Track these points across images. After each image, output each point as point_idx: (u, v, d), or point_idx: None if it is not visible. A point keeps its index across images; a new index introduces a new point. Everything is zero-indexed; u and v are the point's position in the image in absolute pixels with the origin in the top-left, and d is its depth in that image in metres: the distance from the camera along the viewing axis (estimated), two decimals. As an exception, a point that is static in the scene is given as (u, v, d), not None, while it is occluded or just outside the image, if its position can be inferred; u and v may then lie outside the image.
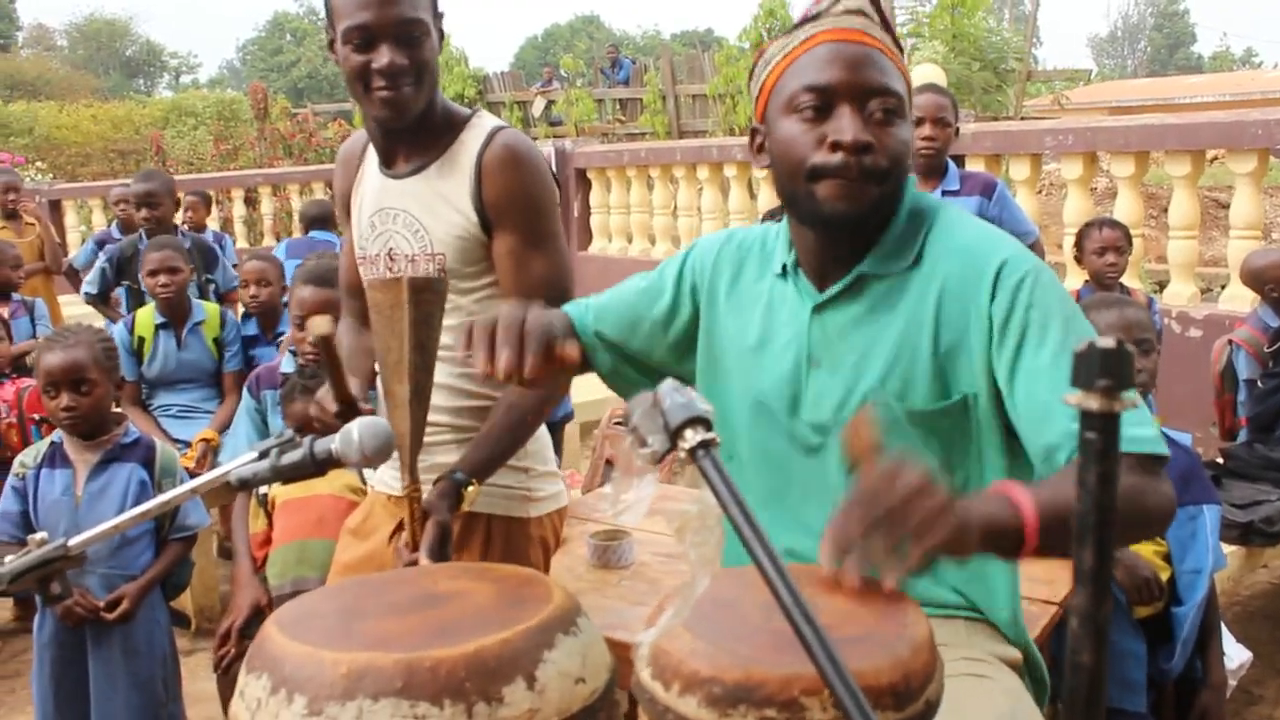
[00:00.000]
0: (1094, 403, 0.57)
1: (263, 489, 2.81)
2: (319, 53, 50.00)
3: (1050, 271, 1.48)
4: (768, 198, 7.78)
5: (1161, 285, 6.40)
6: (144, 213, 5.40)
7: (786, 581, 0.76)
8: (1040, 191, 8.19)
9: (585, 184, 9.23)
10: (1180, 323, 5.25)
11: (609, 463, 3.96)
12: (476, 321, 1.40)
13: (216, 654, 2.67)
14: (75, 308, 7.30)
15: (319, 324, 1.58)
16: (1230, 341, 4.10)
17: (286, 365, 3.27)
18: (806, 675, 0.91)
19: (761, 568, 0.77)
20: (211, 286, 5.29)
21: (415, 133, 1.99)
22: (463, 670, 1.00)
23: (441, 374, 1.91)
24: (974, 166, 6.01)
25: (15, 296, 5.33)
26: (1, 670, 3.92)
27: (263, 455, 1.29)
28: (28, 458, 2.88)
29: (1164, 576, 2.58)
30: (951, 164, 4.04)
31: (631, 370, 1.76)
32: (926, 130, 3.74)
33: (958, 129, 3.94)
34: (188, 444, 4.21)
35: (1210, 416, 4.32)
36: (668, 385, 0.90)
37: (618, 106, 16.57)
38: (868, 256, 1.51)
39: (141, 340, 4.43)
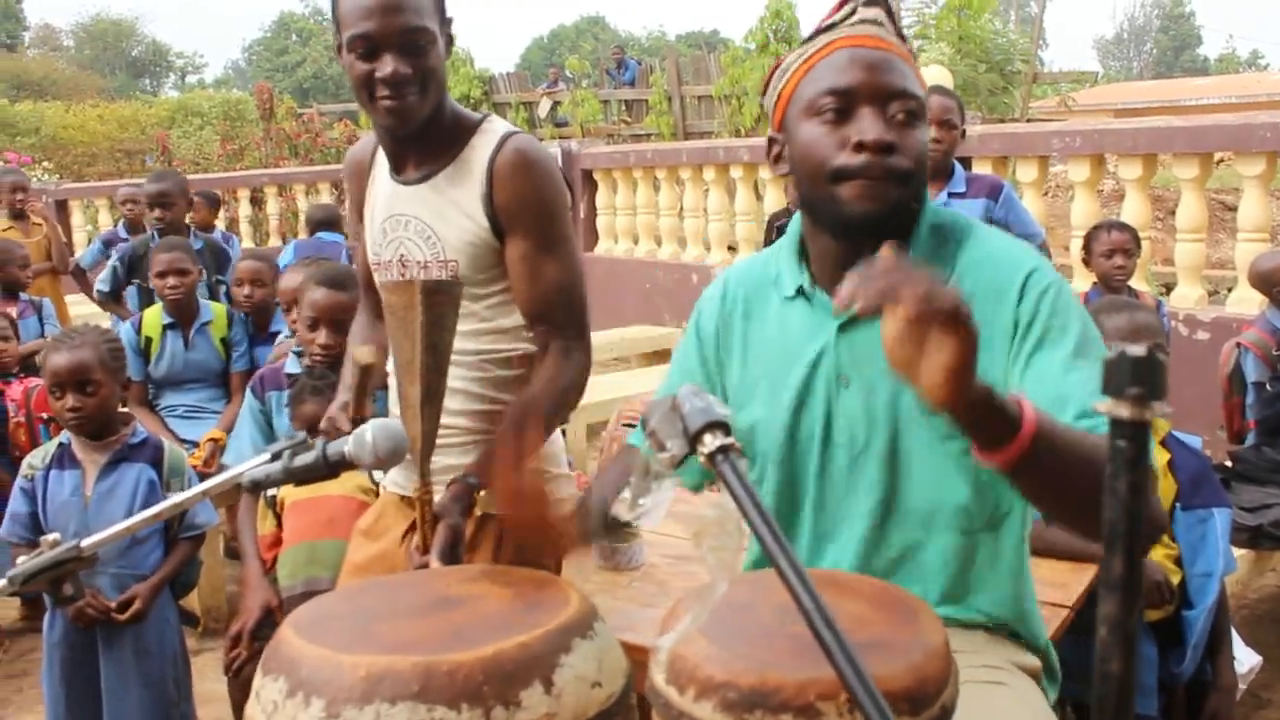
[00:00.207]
0: (1125, 411, 0.57)
1: (271, 490, 2.81)
2: (324, 53, 50.10)
3: (1070, 288, 1.49)
4: (774, 199, 7.78)
5: (1168, 288, 6.40)
6: (157, 212, 5.41)
7: (807, 586, 0.76)
8: (1046, 194, 8.18)
9: (591, 185, 9.24)
10: (1188, 325, 5.24)
11: (617, 464, 3.95)
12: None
13: (227, 656, 2.66)
14: (81, 307, 7.31)
15: (364, 354, 1.58)
16: (1238, 344, 4.09)
17: (291, 366, 3.26)
18: (822, 680, 0.91)
19: (782, 573, 0.77)
20: (222, 287, 5.29)
21: (424, 139, 1.99)
22: (480, 674, 1.00)
23: (455, 377, 1.91)
24: (981, 168, 6.01)
25: (23, 296, 5.34)
26: (9, 670, 3.92)
27: (275, 457, 1.29)
28: (36, 459, 2.88)
29: (1175, 580, 2.57)
30: (958, 166, 4.04)
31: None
32: (933, 132, 3.73)
33: (964, 131, 3.94)
34: (195, 444, 4.21)
35: (1218, 419, 4.31)
36: (686, 390, 0.90)
37: (623, 108, 16.59)
38: None
39: (148, 340, 4.43)
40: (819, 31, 1.52)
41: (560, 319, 1.99)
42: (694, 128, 14.42)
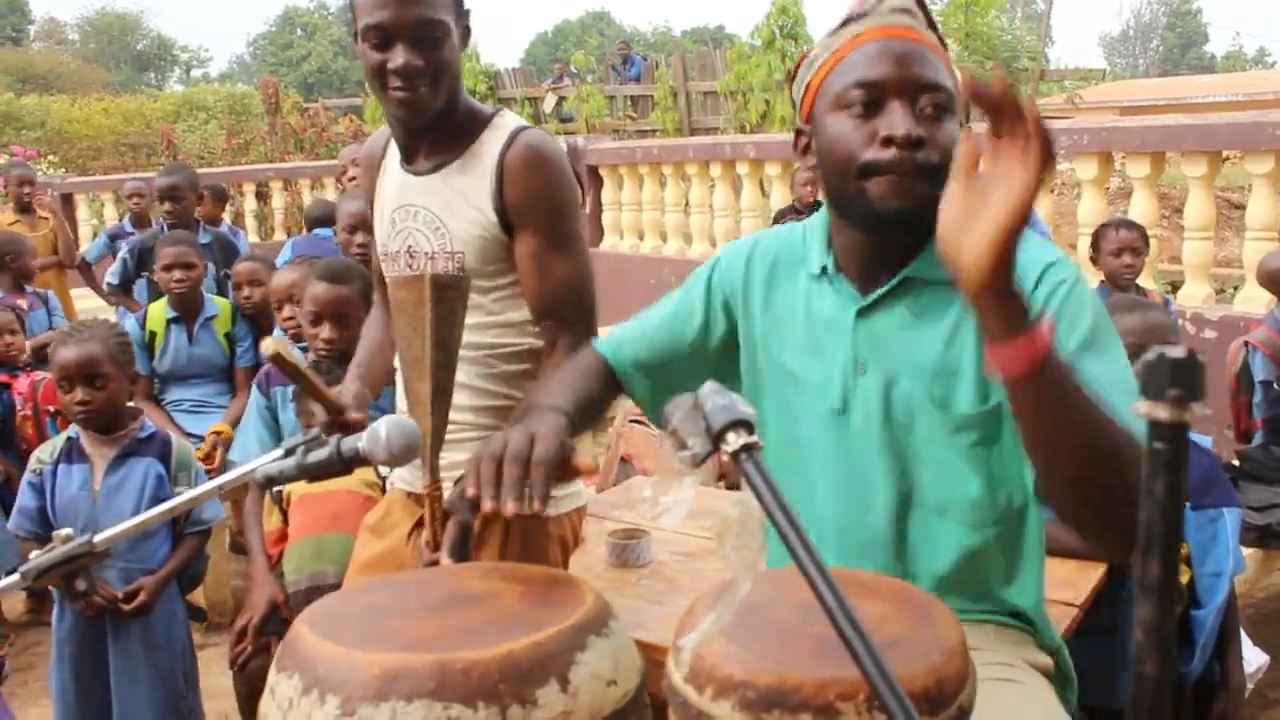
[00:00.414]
0: (1164, 412, 0.56)
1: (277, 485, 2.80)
2: (329, 47, 50.14)
3: (1088, 285, 1.48)
4: (780, 195, 7.77)
5: (1175, 286, 6.38)
6: (167, 206, 5.41)
7: (831, 586, 0.75)
8: (1052, 191, 8.17)
9: (597, 181, 9.23)
10: (1195, 324, 5.23)
11: (624, 460, 3.96)
12: (482, 452, 1.31)
13: (233, 651, 2.67)
14: (85, 301, 7.32)
15: (271, 345, 1.56)
16: (1246, 343, 4.07)
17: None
18: (842, 679, 0.91)
19: (805, 571, 0.77)
20: (230, 281, 5.30)
21: (436, 130, 1.99)
22: (496, 672, 1.00)
23: (464, 373, 1.91)
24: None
25: (29, 289, 5.35)
26: (16, 663, 3.92)
27: (289, 453, 1.29)
28: (44, 453, 2.88)
29: (1184, 579, 2.57)
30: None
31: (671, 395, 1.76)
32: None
33: (970, 128, 3.93)
34: (201, 438, 4.21)
35: (1225, 419, 4.30)
36: (709, 388, 0.90)
37: (628, 103, 16.58)
38: (916, 259, 1.50)
39: (153, 335, 4.43)
40: (848, 21, 1.51)
41: (569, 316, 1.99)
42: (699, 123, 14.42)
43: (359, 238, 3.79)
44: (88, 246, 7.39)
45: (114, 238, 6.65)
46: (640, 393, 1.73)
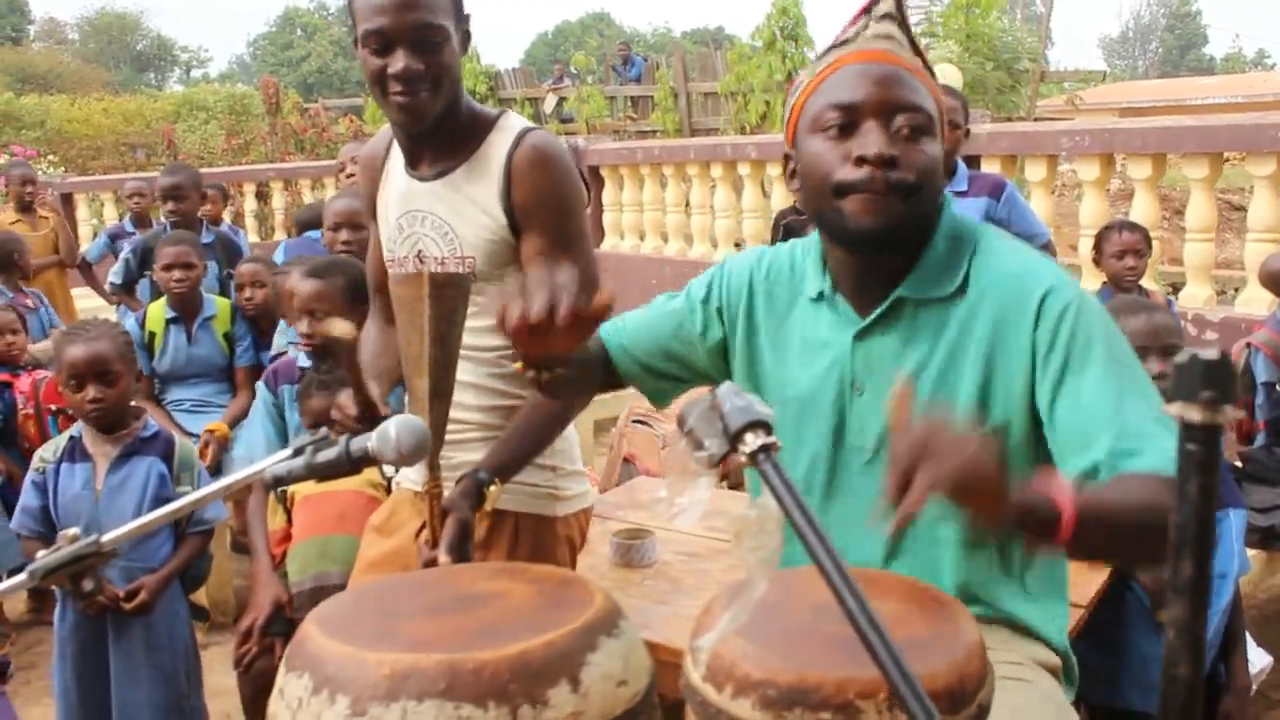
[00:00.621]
0: (1196, 415, 0.56)
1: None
2: (329, 48, 50.13)
3: (1092, 298, 1.48)
4: (781, 197, 7.76)
5: (1176, 287, 6.38)
6: (170, 205, 5.39)
7: (852, 587, 0.75)
8: (1053, 192, 8.16)
9: (598, 181, 9.22)
10: (1196, 325, 5.23)
11: (627, 460, 3.95)
12: (504, 290, 1.33)
13: (238, 651, 2.66)
14: (85, 301, 7.32)
15: (338, 326, 1.58)
16: (1248, 344, 4.07)
17: (304, 359, 3.26)
18: (861, 678, 0.91)
19: (825, 572, 0.77)
20: (232, 281, 5.29)
21: (440, 135, 1.98)
22: (507, 672, 0.99)
23: (472, 373, 1.91)
24: (989, 167, 5.99)
25: (26, 290, 5.35)
26: (17, 662, 3.91)
27: (298, 452, 1.29)
28: (47, 452, 2.88)
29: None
30: (961, 165, 4.03)
31: (662, 381, 1.77)
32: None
33: (968, 130, 3.93)
34: (200, 438, 4.21)
35: (1227, 420, 4.29)
36: (727, 388, 0.89)
37: (629, 104, 16.57)
38: (906, 279, 1.52)
39: (152, 335, 4.43)
40: (832, 48, 1.53)
41: None
42: (699, 124, 14.41)
43: (343, 235, 3.80)
44: (88, 246, 7.38)
45: (114, 238, 6.64)
46: (633, 374, 1.76)
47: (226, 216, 8.75)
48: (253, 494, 2.94)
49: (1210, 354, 0.57)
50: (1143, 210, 5.58)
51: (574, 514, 2.10)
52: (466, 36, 1.98)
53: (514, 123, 2.01)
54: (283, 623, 2.64)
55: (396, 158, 2.10)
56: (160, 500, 2.78)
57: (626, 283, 8.46)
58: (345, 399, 1.81)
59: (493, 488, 1.80)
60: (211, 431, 4.16)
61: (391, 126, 2.05)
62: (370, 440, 1.29)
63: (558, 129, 15.27)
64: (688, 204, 8.65)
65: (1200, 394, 0.56)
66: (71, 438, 2.87)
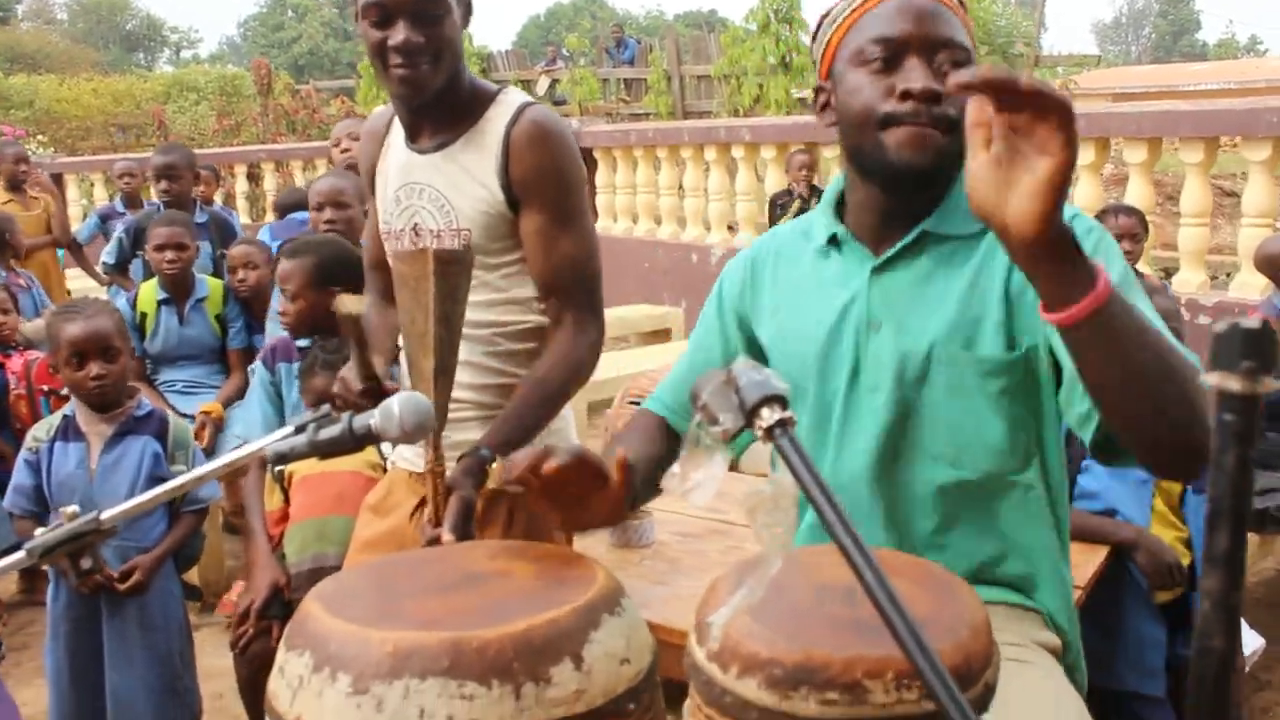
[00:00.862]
0: (1236, 384, 0.55)
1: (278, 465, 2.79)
2: (320, 29, 49.88)
3: (1110, 234, 1.47)
4: (775, 179, 7.76)
5: (1168, 272, 6.39)
6: (164, 184, 5.35)
7: (872, 564, 0.74)
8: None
9: (591, 164, 9.20)
10: (1190, 310, 5.23)
11: (622, 442, 3.93)
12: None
13: (235, 633, 2.65)
14: (76, 282, 7.29)
15: (348, 303, 1.58)
16: (1243, 329, 4.07)
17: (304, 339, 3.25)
18: (869, 657, 0.90)
19: (844, 549, 0.76)
20: (225, 262, 5.26)
21: (440, 108, 1.98)
22: (510, 650, 0.99)
23: (467, 351, 1.90)
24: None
25: (19, 270, 5.32)
26: (9, 643, 3.90)
27: (300, 430, 1.27)
28: (41, 431, 2.87)
29: (1185, 562, 2.57)
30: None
31: None
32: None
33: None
34: (193, 419, 4.19)
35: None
36: (742, 363, 0.88)
37: (622, 86, 16.52)
38: (932, 215, 1.52)
39: (143, 316, 4.40)
40: None
41: (574, 293, 1.98)
42: (693, 107, 14.38)
43: (327, 214, 3.80)
44: (78, 227, 7.34)
45: (105, 218, 6.60)
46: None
47: (217, 198, 8.71)
48: (250, 474, 2.93)
49: (1251, 323, 0.57)
50: (1137, 195, 5.58)
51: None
52: (468, 10, 1.98)
53: (514, 97, 2.00)
54: (280, 605, 2.63)
55: (397, 131, 2.09)
56: (155, 479, 2.77)
57: (619, 266, 8.45)
58: (349, 374, 1.80)
59: (495, 465, 1.80)
60: (207, 413, 4.14)
61: (392, 100, 2.04)
62: (373, 417, 1.28)
63: (551, 111, 15.21)
64: (681, 187, 8.63)
65: (1240, 364, 0.55)
66: (65, 416, 2.86)
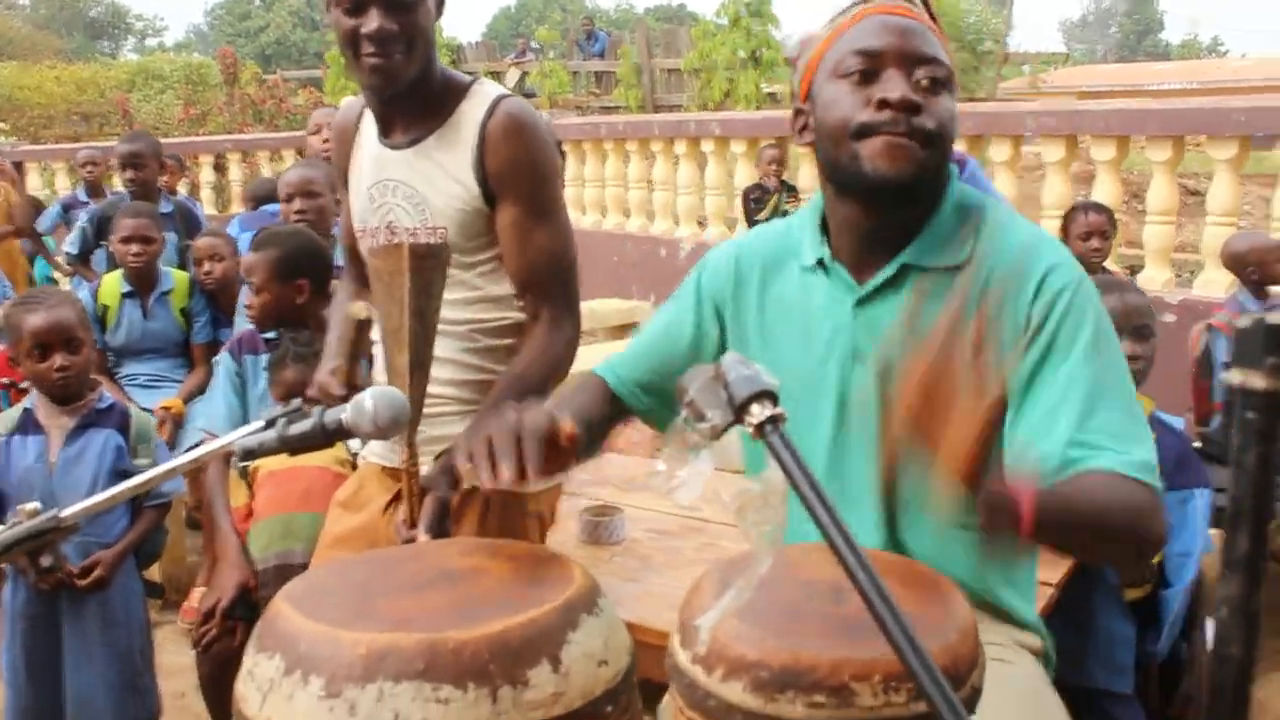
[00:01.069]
0: (1260, 381, 0.54)
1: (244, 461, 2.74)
2: (288, 19, 49.39)
3: (1091, 284, 1.47)
4: (745, 173, 7.75)
5: (1133, 270, 6.42)
6: (129, 173, 5.25)
7: (862, 562, 0.73)
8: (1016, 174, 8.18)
9: (561, 156, 9.16)
10: (1155, 308, 5.23)
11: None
12: (470, 434, 1.29)
13: (198, 631, 2.59)
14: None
15: (358, 309, 1.55)
16: (1209, 325, 4.11)
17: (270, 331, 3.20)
18: (856, 659, 0.89)
19: (835, 547, 0.74)
20: (190, 254, 5.18)
21: (412, 101, 1.94)
22: (486, 652, 0.96)
23: (445, 347, 1.87)
24: (954, 146, 5.99)
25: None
26: (-36, 640, 3.83)
27: (270, 424, 1.24)
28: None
29: (1154, 560, 2.57)
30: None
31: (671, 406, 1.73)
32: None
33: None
34: (154, 414, 4.12)
35: (1183, 401, 4.32)
36: (731, 357, 0.86)
37: (592, 79, 16.48)
38: (911, 245, 1.49)
39: (105, 308, 4.31)
40: (855, 3, 1.52)
41: (550, 287, 1.96)
42: (663, 101, 14.38)
43: (296, 204, 3.76)
44: (40, 216, 7.23)
45: (67, 208, 6.50)
46: (643, 409, 1.70)
47: (182, 188, 8.61)
48: (212, 469, 2.87)
49: (1276, 319, 0.55)
50: (1105, 192, 5.61)
51: (544, 490, 2.06)
52: (441, 0, 1.94)
53: (487, 89, 1.97)
54: (246, 606, 2.57)
55: (368, 126, 2.05)
56: (118, 473, 2.71)
57: (588, 259, 8.37)
58: (328, 377, 1.77)
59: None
60: (167, 409, 4.05)
61: (363, 92, 2.00)
62: (345, 412, 1.25)
63: (520, 104, 15.15)
64: (650, 180, 8.61)
65: (1264, 360, 0.54)
66: (25, 410, 2.80)
